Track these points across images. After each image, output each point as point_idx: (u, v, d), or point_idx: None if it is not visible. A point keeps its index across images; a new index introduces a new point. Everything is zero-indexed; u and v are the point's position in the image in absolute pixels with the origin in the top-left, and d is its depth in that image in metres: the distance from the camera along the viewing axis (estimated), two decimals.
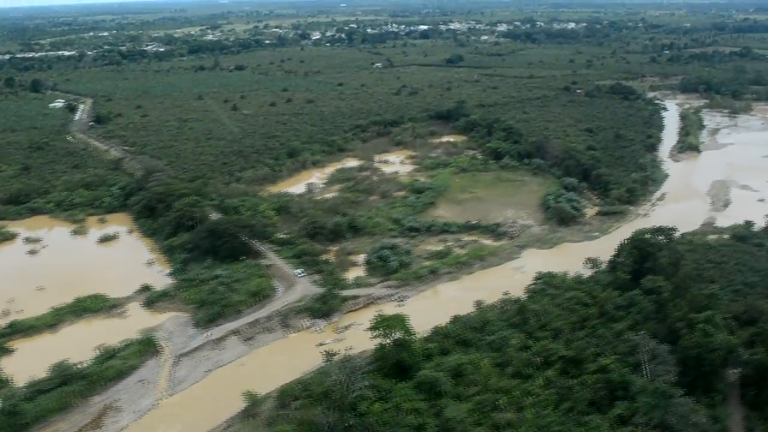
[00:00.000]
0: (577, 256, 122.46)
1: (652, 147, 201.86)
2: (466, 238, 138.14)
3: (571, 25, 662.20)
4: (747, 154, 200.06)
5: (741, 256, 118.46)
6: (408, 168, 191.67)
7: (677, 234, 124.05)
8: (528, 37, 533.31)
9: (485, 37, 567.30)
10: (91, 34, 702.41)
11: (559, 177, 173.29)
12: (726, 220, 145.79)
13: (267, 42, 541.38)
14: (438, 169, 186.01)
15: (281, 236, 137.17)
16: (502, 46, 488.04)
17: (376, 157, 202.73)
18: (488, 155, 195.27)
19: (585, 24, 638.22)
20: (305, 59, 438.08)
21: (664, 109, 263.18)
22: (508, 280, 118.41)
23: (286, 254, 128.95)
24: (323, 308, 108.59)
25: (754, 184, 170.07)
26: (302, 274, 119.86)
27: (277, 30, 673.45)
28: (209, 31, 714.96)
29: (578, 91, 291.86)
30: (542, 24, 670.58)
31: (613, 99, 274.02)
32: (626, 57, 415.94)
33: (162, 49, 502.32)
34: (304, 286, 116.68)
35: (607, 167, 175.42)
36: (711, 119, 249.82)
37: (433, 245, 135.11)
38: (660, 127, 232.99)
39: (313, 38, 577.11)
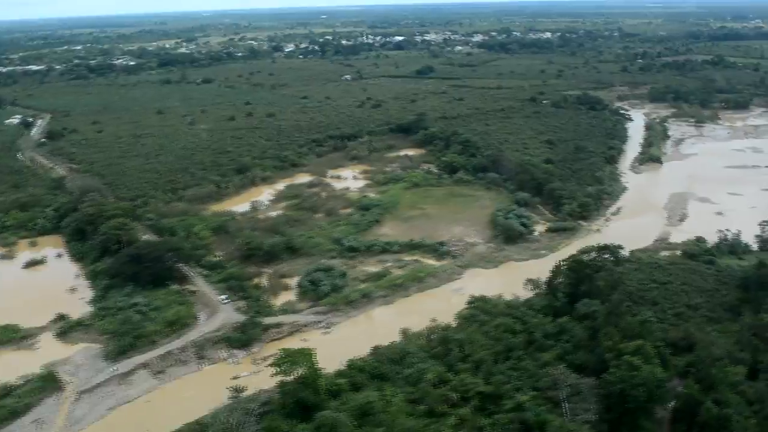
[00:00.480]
0: (521, 276, 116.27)
1: (613, 159, 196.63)
2: (407, 257, 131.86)
3: (547, 35, 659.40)
4: (709, 165, 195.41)
5: (688, 276, 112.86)
6: (360, 183, 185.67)
7: (626, 251, 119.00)
8: (502, 48, 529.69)
9: (459, 48, 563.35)
10: (65, 47, 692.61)
11: (513, 191, 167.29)
12: (680, 235, 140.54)
13: (239, 54, 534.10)
14: (390, 185, 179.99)
15: (213, 259, 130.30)
16: (474, 56, 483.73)
17: (330, 173, 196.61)
18: (443, 169, 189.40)
19: (559, 34, 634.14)
20: (275, 72, 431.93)
21: (629, 119, 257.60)
22: (444, 303, 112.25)
23: (214, 279, 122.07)
24: (243, 338, 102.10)
25: (714, 197, 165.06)
26: (226, 301, 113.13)
27: (252, 42, 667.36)
28: (184, 44, 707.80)
29: (544, 102, 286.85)
30: (518, 34, 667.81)
31: (579, 110, 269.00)
32: (598, 66, 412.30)
33: (132, 63, 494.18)
34: (227, 314, 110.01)
35: (562, 181, 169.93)
36: (677, 129, 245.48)
37: (372, 266, 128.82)
38: (623, 138, 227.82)
39: (287, 50, 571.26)
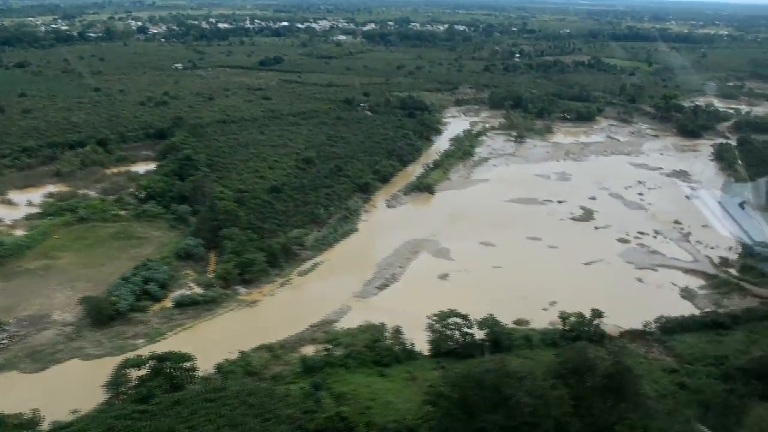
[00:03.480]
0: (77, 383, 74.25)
1: (367, 187, 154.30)
2: None
3: (445, 26, 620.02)
4: (490, 197, 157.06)
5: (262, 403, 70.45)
6: (30, 211, 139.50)
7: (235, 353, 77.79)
8: (382, 39, 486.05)
9: (342, 37, 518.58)
10: None
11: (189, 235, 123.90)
12: (363, 313, 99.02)
13: (92, 36, 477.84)
14: (52, 217, 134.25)
15: None
16: (344, 47, 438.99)
17: (10, 194, 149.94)
18: (138, 197, 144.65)
19: (446, 26, 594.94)
20: (115, 56, 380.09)
21: (438, 131, 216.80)
22: None
23: None
24: None
25: (458, 247, 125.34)
26: None
27: (131, 22, 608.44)
28: (60, 21, 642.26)
29: (362, 105, 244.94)
30: (417, 25, 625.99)
31: (395, 116, 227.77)
32: (466, 64, 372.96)
33: None
34: None
35: (262, 220, 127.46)
36: (491, 144, 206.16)
37: None
38: (416, 155, 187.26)
39: (152, 32, 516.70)
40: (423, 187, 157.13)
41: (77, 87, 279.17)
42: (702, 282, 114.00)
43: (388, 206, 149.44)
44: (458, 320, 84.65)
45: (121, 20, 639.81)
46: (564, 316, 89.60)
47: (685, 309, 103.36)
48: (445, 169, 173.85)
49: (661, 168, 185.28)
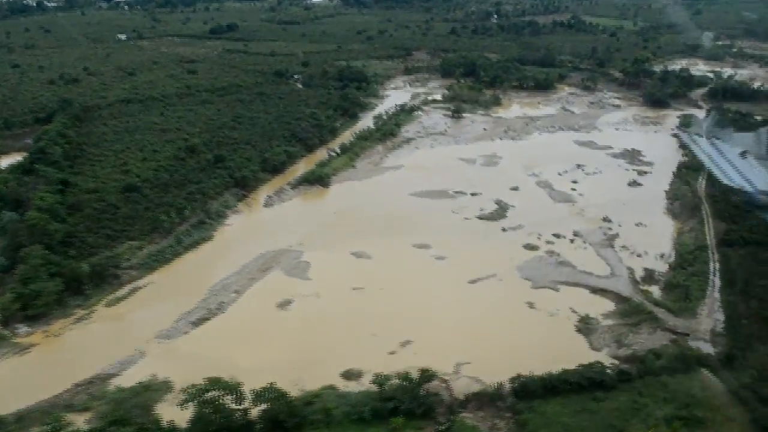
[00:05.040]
0: None
1: (245, 182, 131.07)
2: None
3: None
4: (391, 190, 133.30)
5: None
6: None
7: None
8: (357, 2, 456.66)
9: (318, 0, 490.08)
10: None
11: None
12: (154, 364, 77.01)
13: (51, 5, 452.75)
14: None
15: None
16: (309, 12, 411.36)
17: None
18: None
19: None
20: (62, 28, 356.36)
21: (365, 107, 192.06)
22: None
23: None
24: None
25: (321, 261, 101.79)
26: None
27: None
28: None
29: (295, 77, 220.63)
30: None
31: (326, 89, 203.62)
32: (436, 26, 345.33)
33: None
34: None
35: (93, 231, 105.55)
36: (423, 121, 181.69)
37: None
38: (329, 137, 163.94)
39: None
40: (314, 179, 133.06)
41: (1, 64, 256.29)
42: (611, 306, 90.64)
43: (266, 205, 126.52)
44: (219, 393, 61.84)
45: None
46: (379, 381, 66.76)
47: (577, 350, 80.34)
48: (354, 154, 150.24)
49: (611, 147, 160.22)
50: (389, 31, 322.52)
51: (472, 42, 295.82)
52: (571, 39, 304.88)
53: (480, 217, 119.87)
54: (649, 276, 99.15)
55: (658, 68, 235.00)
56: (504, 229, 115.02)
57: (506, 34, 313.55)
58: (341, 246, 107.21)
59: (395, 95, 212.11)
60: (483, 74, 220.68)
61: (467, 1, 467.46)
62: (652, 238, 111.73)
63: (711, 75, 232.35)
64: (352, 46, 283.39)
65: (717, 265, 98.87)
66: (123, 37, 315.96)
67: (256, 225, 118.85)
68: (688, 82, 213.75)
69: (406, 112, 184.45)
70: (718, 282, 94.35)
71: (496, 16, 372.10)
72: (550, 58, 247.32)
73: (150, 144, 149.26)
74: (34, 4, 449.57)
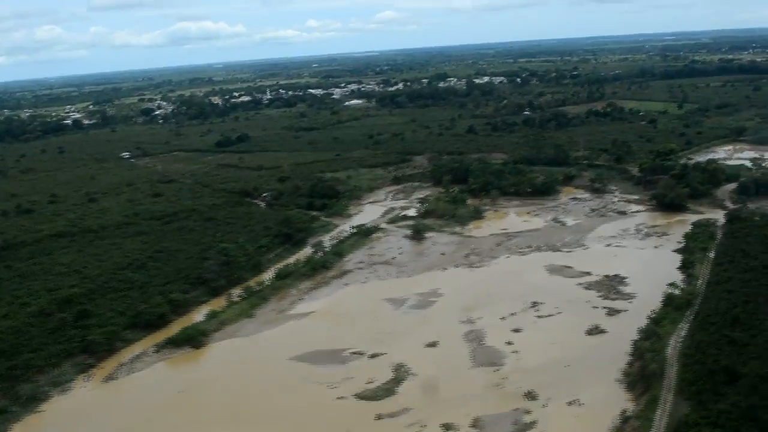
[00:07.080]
0: None
1: (94, 346, 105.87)
2: None
3: (485, 79, 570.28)
4: (275, 351, 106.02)
5: None
6: None
7: None
8: (391, 101, 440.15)
9: (356, 102, 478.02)
10: None
11: None
12: None
13: (87, 123, 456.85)
14: None
15: None
16: (336, 115, 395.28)
17: None
18: None
19: (465, 80, 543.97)
20: (78, 147, 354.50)
21: (310, 232, 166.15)
22: None
23: None
24: None
25: None
26: None
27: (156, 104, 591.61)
28: (91, 107, 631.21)
29: (264, 195, 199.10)
30: (453, 81, 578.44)
31: (289, 209, 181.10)
32: (458, 125, 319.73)
33: None
34: None
35: None
36: (376, 246, 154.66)
37: None
38: (250, 274, 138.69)
39: (156, 113, 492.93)
40: (183, 339, 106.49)
41: None
42: None
43: (108, 378, 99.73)
44: None
45: (151, 101, 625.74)
46: None
47: None
48: (261, 298, 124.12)
49: (588, 273, 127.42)
50: (405, 133, 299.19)
51: (488, 141, 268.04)
52: (601, 130, 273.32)
53: (360, 396, 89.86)
54: None
55: (685, 161, 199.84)
56: (379, 417, 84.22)
57: (529, 129, 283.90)
58: None
59: (370, 210, 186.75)
60: (472, 181, 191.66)
61: (510, 94, 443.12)
62: (583, 428, 78.29)
63: (749, 164, 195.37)
64: (354, 153, 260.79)
65: None
66: (126, 155, 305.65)
67: (74, 413, 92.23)
68: (714, 176, 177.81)
69: (360, 235, 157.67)
70: None
71: (528, 110, 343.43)
72: (561, 155, 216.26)
73: (28, 294, 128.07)
74: (71, 123, 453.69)
